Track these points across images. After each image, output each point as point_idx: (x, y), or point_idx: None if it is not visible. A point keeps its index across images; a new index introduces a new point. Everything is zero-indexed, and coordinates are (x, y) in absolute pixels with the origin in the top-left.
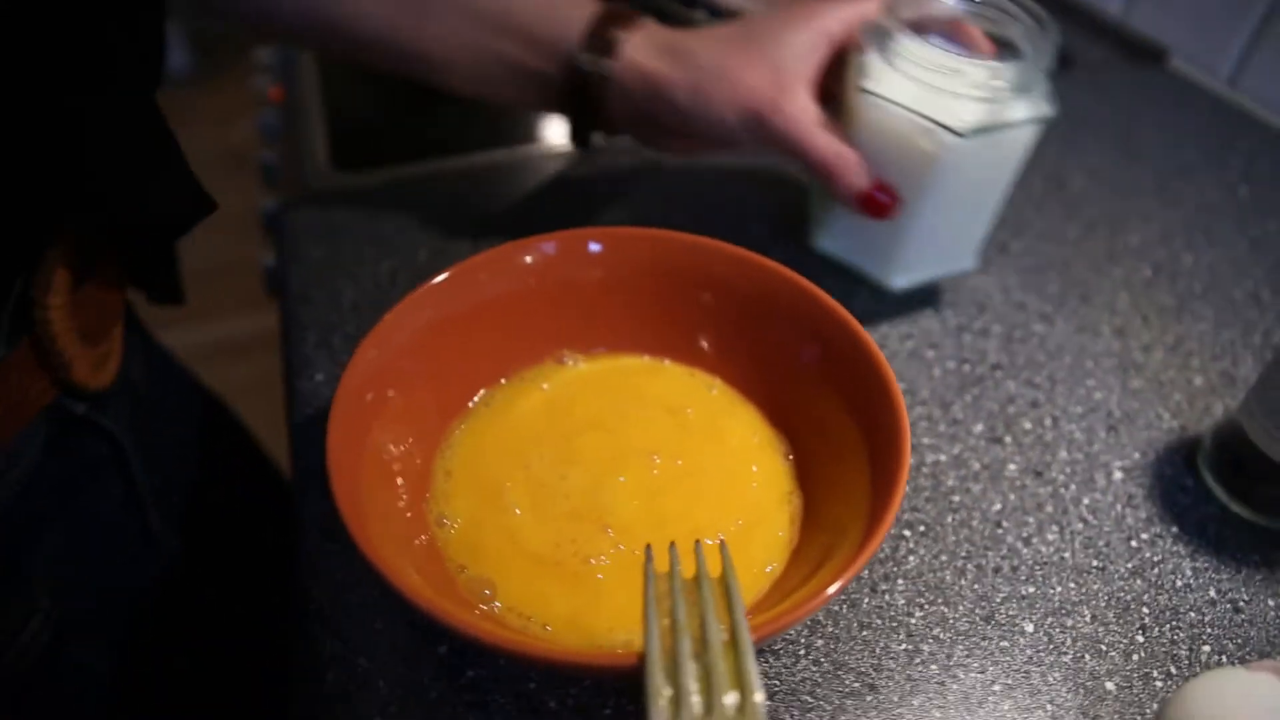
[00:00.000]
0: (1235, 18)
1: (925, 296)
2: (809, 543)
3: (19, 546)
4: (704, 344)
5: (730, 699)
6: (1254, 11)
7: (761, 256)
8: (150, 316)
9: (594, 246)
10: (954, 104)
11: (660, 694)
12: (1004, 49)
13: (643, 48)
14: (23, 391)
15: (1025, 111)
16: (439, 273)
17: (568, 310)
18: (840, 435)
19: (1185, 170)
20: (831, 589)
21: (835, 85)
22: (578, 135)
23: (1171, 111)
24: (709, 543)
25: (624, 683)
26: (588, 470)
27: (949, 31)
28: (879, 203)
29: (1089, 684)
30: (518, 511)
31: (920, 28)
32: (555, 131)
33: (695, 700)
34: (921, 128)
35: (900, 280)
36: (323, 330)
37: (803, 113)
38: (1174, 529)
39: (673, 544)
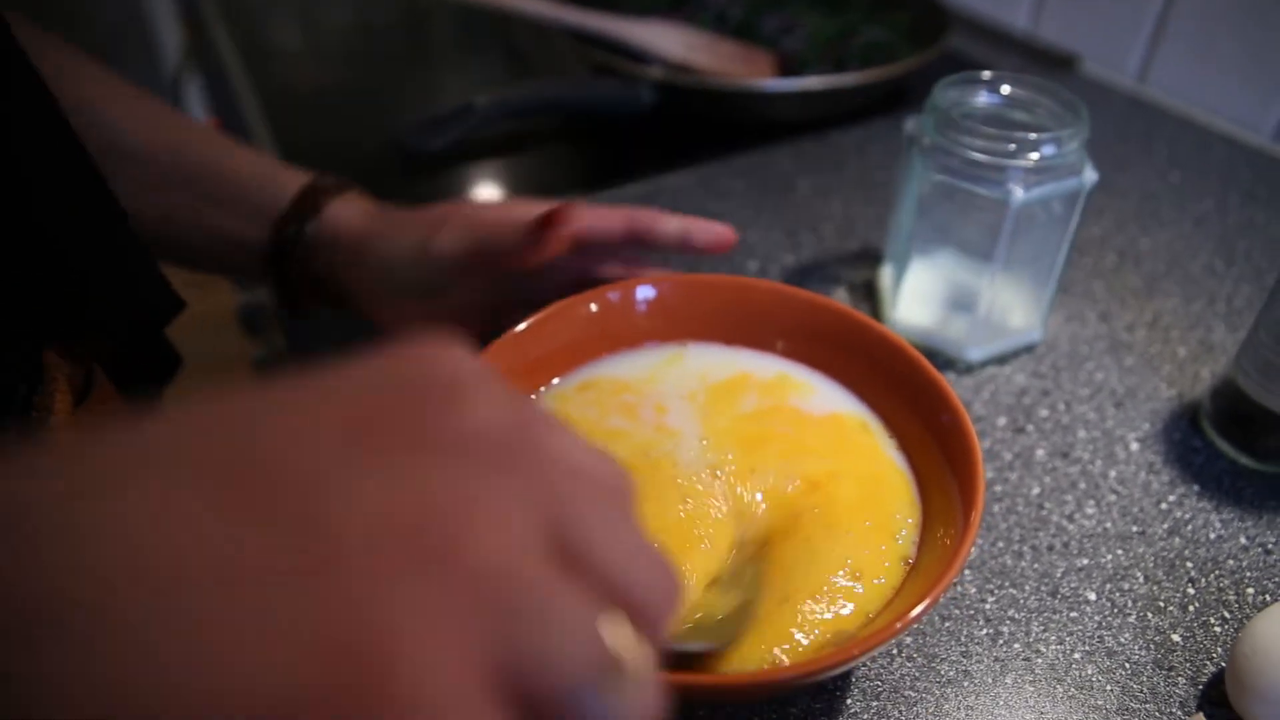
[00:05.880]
0: (1135, 19)
1: None
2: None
3: None
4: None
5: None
6: (1150, 11)
7: (821, 296)
8: None
9: (647, 292)
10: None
11: None
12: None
13: (346, 214)
14: None
15: (1070, 182)
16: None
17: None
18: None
19: (1120, 164)
20: (919, 608)
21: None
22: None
23: (1092, 112)
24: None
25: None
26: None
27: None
28: None
29: (1157, 639)
30: None
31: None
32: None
33: None
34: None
35: (976, 354)
36: None
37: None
38: (1195, 488)
39: None
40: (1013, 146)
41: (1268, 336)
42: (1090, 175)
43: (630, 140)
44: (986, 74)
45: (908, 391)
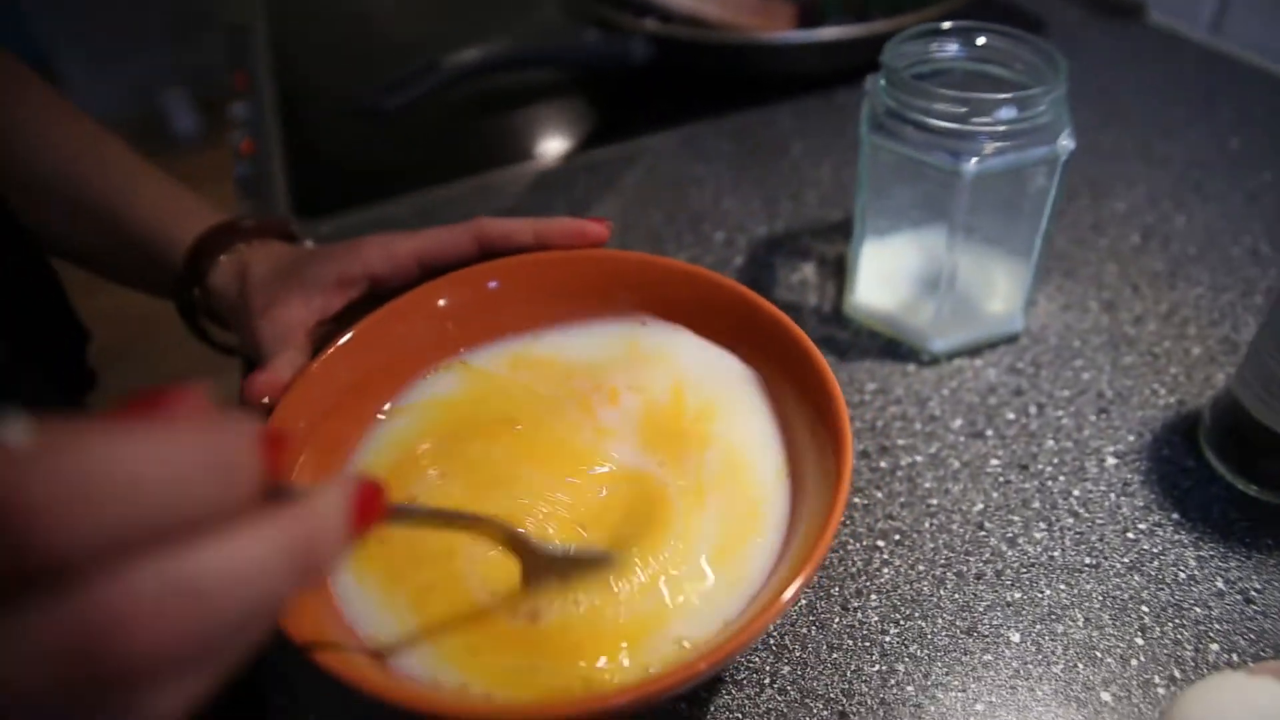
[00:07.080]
0: None
1: None
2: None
3: None
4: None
5: None
6: None
7: (679, 261)
8: None
9: (492, 284)
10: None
11: None
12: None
13: (223, 282)
14: None
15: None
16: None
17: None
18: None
19: (1171, 128)
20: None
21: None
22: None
23: (1154, 66)
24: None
25: None
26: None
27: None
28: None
29: (1082, 695)
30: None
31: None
32: (517, 156)
33: None
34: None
35: (940, 344)
36: None
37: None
38: (1175, 515)
39: None
40: (965, 109)
41: (1270, 343)
42: (1066, 142)
43: (623, 97)
44: (947, 24)
45: (805, 385)
